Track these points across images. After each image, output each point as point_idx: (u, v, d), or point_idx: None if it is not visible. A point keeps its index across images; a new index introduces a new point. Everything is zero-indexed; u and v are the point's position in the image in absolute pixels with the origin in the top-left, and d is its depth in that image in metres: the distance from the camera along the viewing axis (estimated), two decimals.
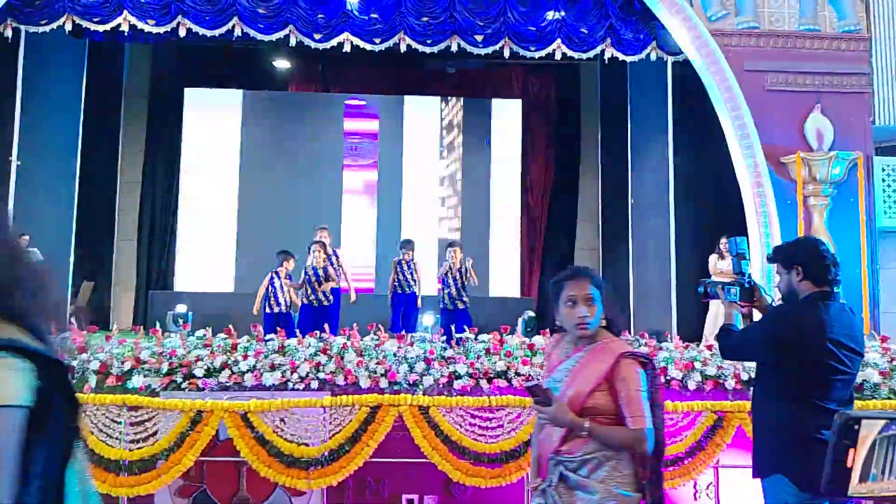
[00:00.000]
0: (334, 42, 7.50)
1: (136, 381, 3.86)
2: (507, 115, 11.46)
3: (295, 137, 11.21)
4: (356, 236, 10.99)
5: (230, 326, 4.41)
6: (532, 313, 9.07)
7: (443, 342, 4.47)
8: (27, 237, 8.13)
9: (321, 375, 3.97)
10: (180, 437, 3.73)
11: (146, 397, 3.80)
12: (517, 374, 4.07)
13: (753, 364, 3.85)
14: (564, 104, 11.57)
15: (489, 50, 7.60)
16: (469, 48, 7.59)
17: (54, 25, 7.29)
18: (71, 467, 1.29)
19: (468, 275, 7.72)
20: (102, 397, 3.76)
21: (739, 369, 4.11)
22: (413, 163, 11.35)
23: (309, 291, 7.36)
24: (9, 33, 7.22)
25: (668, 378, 4.08)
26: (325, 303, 7.39)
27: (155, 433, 3.74)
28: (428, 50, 7.63)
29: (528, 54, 7.68)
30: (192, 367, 3.97)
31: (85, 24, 7.36)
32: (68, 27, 7.36)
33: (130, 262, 10.83)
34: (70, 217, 9.08)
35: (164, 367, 3.97)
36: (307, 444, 3.76)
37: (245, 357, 4.03)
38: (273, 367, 3.99)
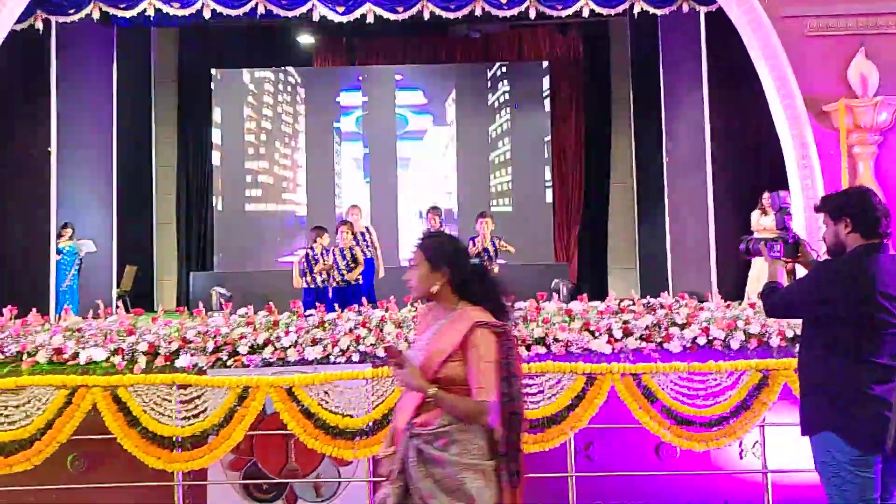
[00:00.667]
0: (357, 14, 7.43)
1: (184, 360, 3.97)
2: (534, 79, 11.28)
3: (324, 111, 11.23)
4: (382, 211, 11.00)
5: (270, 304, 4.48)
6: (562, 280, 8.98)
7: None
8: (70, 228, 8.41)
9: (361, 348, 4.02)
10: (229, 413, 3.83)
11: (194, 375, 3.90)
12: (555, 339, 4.06)
13: (799, 321, 3.78)
14: (593, 64, 11.32)
15: (514, 12, 7.43)
16: (493, 11, 7.44)
17: (82, 14, 7.38)
18: None
19: (499, 245, 7.50)
20: (153, 377, 3.87)
21: (784, 326, 4.03)
22: (441, 130, 11.29)
23: (336, 274, 7.27)
24: (39, 25, 7.33)
25: (711, 338, 4.02)
26: (353, 283, 7.30)
27: (205, 410, 3.85)
28: (452, 15, 7.50)
29: (555, 13, 7.49)
30: (236, 345, 4.06)
31: (111, 10, 7.44)
32: (96, 15, 7.44)
33: (171, 245, 11.08)
34: (110, 203, 9.28)
35: (210, 346, 4.06)
36: (351, 416, 3.83)
37: (287, 333, 4.10)
38: (314, 342, 4.05)
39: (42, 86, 7.73)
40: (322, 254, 7.36)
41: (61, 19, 7.46)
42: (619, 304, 4.41)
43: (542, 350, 4.00)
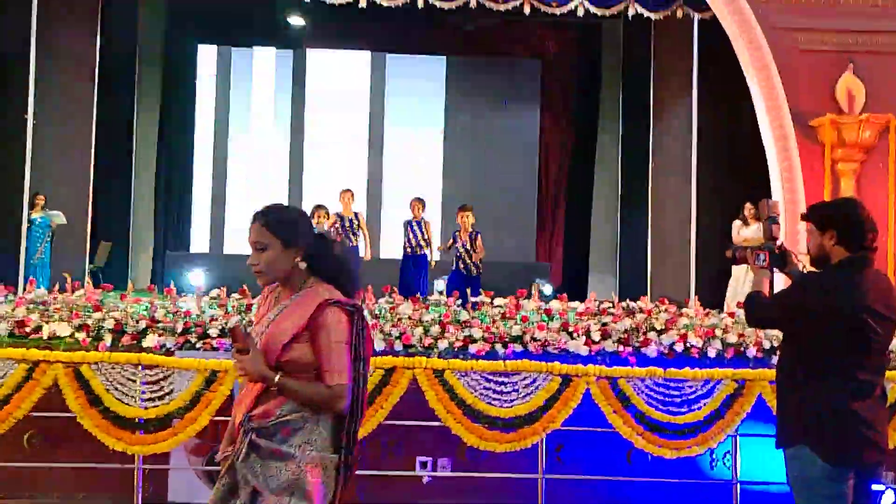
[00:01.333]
0: None
1: (151, 340, 3.86)
2: (525, 75, 11.22)
3: (311, 95, 11.08)
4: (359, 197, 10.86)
5: (244, 287, 4.38)
6: (543, 281, 8.95)
7: (458, 305, 4.42)
8: (43, 197, 8.19)
9: None
10: (195, 397, 3.73)
11: (161, 356, 3.80)
12: (533, 338, 4.02)
13: (777, 332, 3.77)
14: (585, 64, 11.28)
15: (509, 6, 7.37)
16: (488, 4, 7.36)
17: None
18: None
19: (476, 246, 7.40)
20: (118, 355, 3.76)
21: (761, 337, 4.03)
22: (426, 122, 11.20)
23: None
24: None
25: (688, 345, 4.00)
26: None
27: (170, 392, 3.74)
28: (445, 6, 7.41)
29: (550, 11, 7.44)
30: (206, 327, 3.96)
31: None
32: None
33: (148, 223, 10.86)
34: (87, 177, 9.06)
35: (179, 327, 3.96)
36: None
37: None
38: None
39: (22, 54, 7.50)
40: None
41: None
42: (598, 306, 4.38)
43: (518, 348, 3.96)
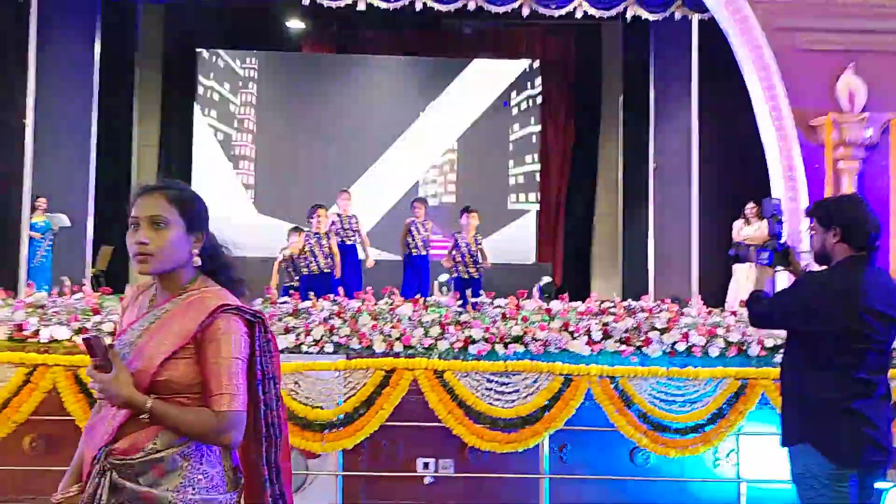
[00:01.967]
0: (349, 0, 7.32)
1: None
2: (524, 78, 11.22)
3: (310, 99, 11.08)
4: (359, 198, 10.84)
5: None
6: (549, 279, 8.96)
7: (458, 306, 4.41)
8: (44, 200, 8.19)
9: (335, 339, 3.93)
10: None
11: None
12: (534, 339, 4.01)
13: (780, 331, 3.75)
14: (585, 66, 11.28)
15: (507, 8, 7.37)
16: (486, 6, 7.36)
17: None
18: None
19: (479, 248, 7.38)
20: None
21: (764, 336, 4.01)
22: (425, 123, 11.20)
23: (312, 263, 7.12)
24: None
25: (690, 344, 3.99)
26: (326, 270, 7.15)
27: None
28: (444, 8, 7.41)
29: (548, 13, 7.44)
30: None
31: None
32: None
33: None
34: (88, 181, 9.05)
35: None
36: (322, 408, 3.74)
37: None
38: (287, 330, 3.95)
39: (21, 57, 7.51)
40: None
41: None
42: (599, 306, 4.37)
43: (519, 348, 3.95)
